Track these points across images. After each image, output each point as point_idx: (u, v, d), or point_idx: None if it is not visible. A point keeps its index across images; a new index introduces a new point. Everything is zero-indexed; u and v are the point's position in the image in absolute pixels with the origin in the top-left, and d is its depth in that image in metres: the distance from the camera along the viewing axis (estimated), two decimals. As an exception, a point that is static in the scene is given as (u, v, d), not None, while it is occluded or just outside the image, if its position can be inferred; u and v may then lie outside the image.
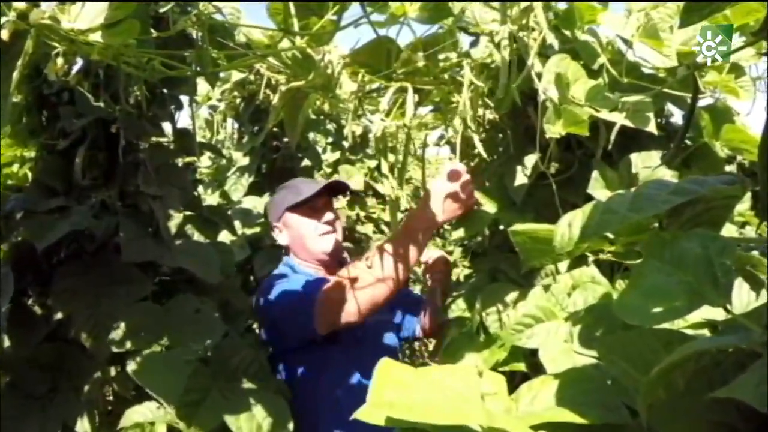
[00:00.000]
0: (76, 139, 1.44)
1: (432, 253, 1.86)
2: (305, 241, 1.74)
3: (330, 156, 3.88)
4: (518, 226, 0.90)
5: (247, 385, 1.35)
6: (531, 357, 1.14)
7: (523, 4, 1.10)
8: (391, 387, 0.63)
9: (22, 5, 0.81)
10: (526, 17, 1.11)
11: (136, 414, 1.27)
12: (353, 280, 1.46)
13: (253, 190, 3.10)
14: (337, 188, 1.87)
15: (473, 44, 1.31)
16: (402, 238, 1.42)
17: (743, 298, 0.71)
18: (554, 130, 1.16)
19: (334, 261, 1.78)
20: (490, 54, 1.24)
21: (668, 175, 1.21)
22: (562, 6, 1.26)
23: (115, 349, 1.31)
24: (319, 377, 1.60)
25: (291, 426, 1.30)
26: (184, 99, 1.64)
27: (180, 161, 1.83)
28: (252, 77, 2.90)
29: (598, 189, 1.24)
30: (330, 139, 3.93)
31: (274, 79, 2.65)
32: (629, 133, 1.24)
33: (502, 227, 1.43)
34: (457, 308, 1.40)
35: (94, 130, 1.45)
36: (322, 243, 1.74)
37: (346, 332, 1.55)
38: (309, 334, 1.53)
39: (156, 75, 1.13)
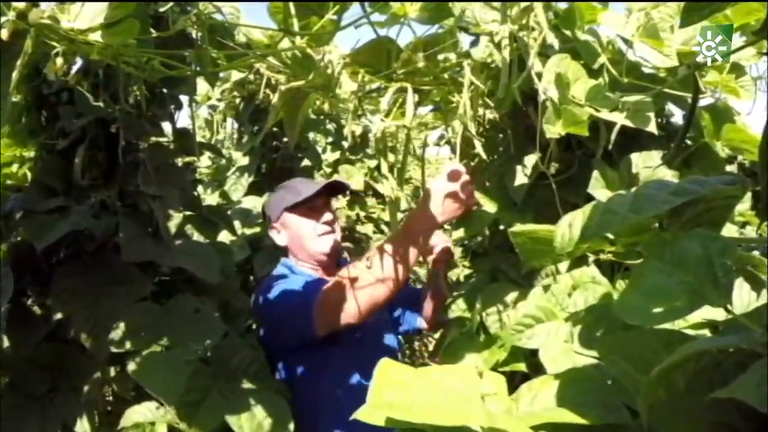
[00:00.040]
0: (75, 139, 1.44)
1: (436, 240, 1.82)
2: (304, 242, 1.74)
3: (330, 156, 3.89)
4: (518, 227, 0.90)
5: (247, 385, 1.35)
6: (531, 357, 1.14)
7: (524, 4, 1.10)
8: (391, 387, 0.63)
9: (21, 5, 0.81)
10: (527, 17, 1.11)
11: (136, 414, 1.27)
12: (352, 281, 1.45)
13: (253, 190, 3.10)
14: (336, 188, 1.86)
15: (473, 44, 1.31)
16: (402, 238, 1.42)
17: (744, 298, 0.71)
18: (554, 130, 1.16)
19: (333, 261, 1.78)
20: (491, 54, 1.24)
21: (669, 175, 1.21)
22: (563, 6, 1.26)
23: (114, 350, 1.31)
24: (319, 377, 1.60)
25: (292, 426, 1.30)
26: (184, 99, 1.64)
27: (180, 161, 1.83)
28: (252, 77, 2.90)
29: (598, 189, 1.24)
30: (330, 139, 3.93)
31: (274, 79, 2.66)
32: (630, 133, 1.24)
33: (502, 227, 1.43)
34: (457, 308, 1.40)
35: (94, 129, 1.45)
36: (321, 243, 1.74)
37: (346, 333, 1.54)
38: (308, 336, 1.53)
39: (155, 75, 1.13)
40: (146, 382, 1.25)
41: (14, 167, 1.66)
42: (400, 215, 1.45)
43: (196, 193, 1.83)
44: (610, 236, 0.82)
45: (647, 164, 1.25)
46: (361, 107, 1.30)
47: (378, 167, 3.68)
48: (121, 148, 1.42)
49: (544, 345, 1.08)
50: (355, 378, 1.61)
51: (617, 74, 1.18)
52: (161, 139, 1.62)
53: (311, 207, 1.74)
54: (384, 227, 3.78)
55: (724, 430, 0.53)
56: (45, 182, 1.45)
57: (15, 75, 0.82)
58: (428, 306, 1.78)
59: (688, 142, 1.32)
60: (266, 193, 2.96)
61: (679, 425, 0.56)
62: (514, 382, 0.93)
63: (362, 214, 3.81)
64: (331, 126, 3.88)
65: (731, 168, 2.05)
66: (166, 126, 1.61)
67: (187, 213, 1.71)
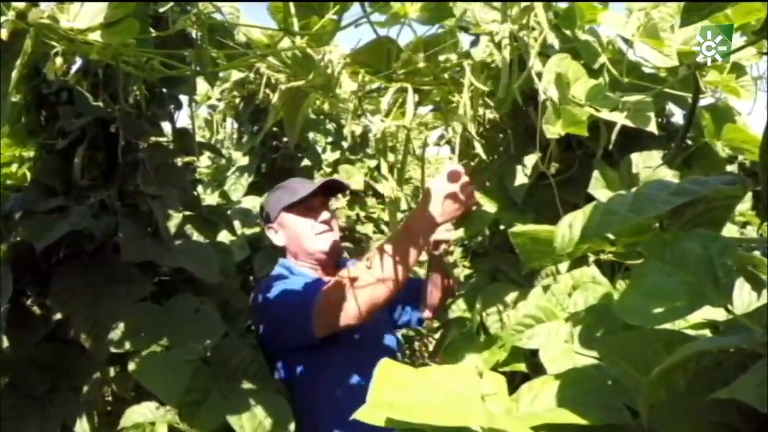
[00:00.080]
0: (75, 139, 1.44)
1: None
2: (302, 241, 1.74)
3: (330, 156, 3.89)
4: (518, 228, 0.90)
5: (247, 385, 1.35)
6: (531, 357, 1.14)
7: (524, 4, 1.10)
8: (391, 387, 0.63)
9: (21, 4, 0.81)
10: (527, 17, 1.11)
11: (136, 414, 1.27)
12: (352, 282, 1.45)
13: (253, 189, 3.10)
14: (334, 187, 1.86)
15: (473, 44, 1.31)
16: (402, 238, 1.41)
17: (744, 298, 0.71)
18: (554, 130, 1.16)
19: (332, 261, 1.77)
20: (491, 54, 1.23)
21: (669, 175, 1.21)
22: (563, 5, 1.26)
23: (114, 350, 1.31)
24: (319, 378, 1.59)
25: (292, 426, 1.30)
26: (184, 98, 1.64)
27: (179, 161, 1.83)
28: (252, 77, 2.90)
29: (598, 189, 1.24)
30: (330, 139, 3.93)
31: (274, 79, 2.66)
32: (630, 133, 1.24)
33: (502, 227, 1.42)
34: (457, 308, 1.40)
35: (93, 129, 1.45)
36: (319, 242, 1.73)
37: (346, 333, 1.54)
38: (307, 337, 1.52)
39: (155, 74, 1.13)
40: (146, 382, 1.25)
41: (14, 167, 1.66)
42: (400, 215, 1.45)
43: (195, 193, 1.83)
44: (611, 236, 0.82)
45: (647, 164, 1.24)
46: (361, 107, 1.30)
47: (378, 167, 3.67)
48: (121, 147, 1.42)
49: (544, 345, 1.08)
50: (355, 378, 1.60)
51: (617, 74, 1.18)
52: (161, 139, 1.62)
53: (308, 206, 1.74)
54: (384, 227, 3.78)
55: (724, 430, 0.53)
56: (44, 182, 1.45)
57: (14, 75, 0.82)
58: (431, 294, 1.77)
59: (689, 142, 1.32)
60: (266, 193, 2.97)
61: (680, 425, 0.56)
62: (514, 382, 0.93)
63: (362, 214, 3.81)
64: (331, 126, 3.88)
65: (732, 168, 2.05)
66: (166, 126, 1.62)
67: (187, 213, 1.71)
